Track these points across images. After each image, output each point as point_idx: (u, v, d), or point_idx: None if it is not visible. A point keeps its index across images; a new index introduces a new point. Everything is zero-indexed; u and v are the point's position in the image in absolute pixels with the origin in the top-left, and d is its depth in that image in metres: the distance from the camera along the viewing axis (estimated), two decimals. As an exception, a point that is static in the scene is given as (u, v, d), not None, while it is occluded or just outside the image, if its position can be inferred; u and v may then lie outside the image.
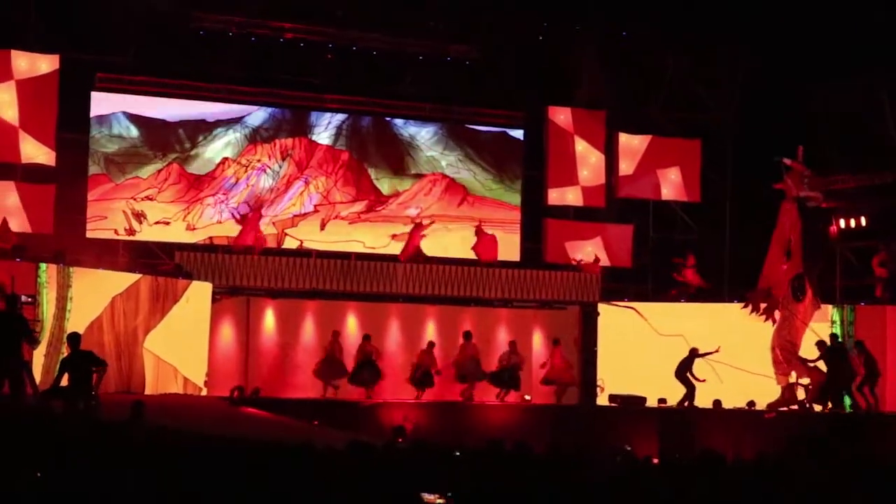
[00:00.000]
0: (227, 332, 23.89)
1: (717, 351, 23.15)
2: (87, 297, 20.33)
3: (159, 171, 25.35)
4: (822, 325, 23.23)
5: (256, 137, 26.10)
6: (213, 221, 25.50)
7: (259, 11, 25.44)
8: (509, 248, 26.96)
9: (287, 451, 10.25)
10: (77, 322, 19.63)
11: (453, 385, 23.97)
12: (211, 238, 25.35)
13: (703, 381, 23.16)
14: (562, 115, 27.59)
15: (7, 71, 23.54)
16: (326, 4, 25.81)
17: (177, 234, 25.21)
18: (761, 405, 22.77)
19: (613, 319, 25.29)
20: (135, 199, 25.05)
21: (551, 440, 12.43)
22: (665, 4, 26.12)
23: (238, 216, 25.01)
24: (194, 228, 25.36)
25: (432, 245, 25.61)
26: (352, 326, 24.40)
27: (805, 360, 22.59)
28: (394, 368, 23.63)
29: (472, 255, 25.78)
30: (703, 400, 23.13)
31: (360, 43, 26.39)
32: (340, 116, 26.68)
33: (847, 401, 22.60)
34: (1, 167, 23.57)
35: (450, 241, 26.45)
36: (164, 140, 25.52)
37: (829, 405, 22.37)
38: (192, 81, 25.40)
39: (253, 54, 25.85)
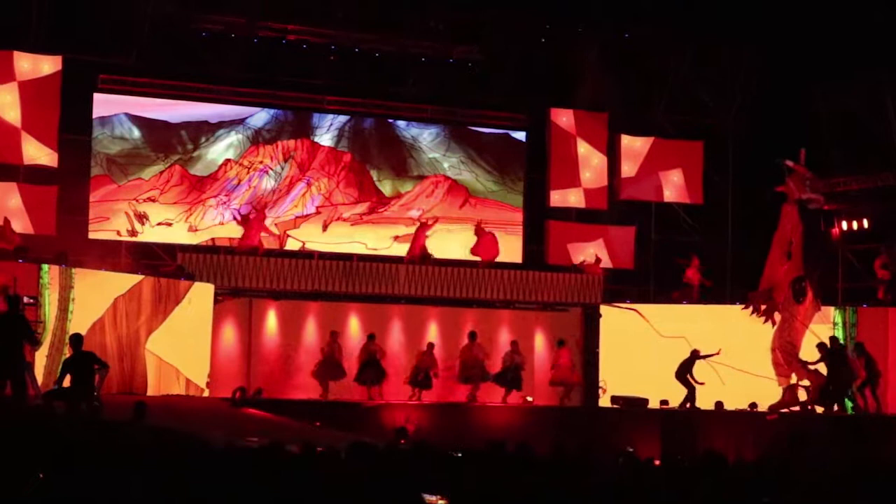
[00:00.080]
0: (230, 333, 23.89)
1: (718, 353, 23.15)
2: (89, 299, 20.34)
3: (161, 172, 25.37)
4: (825, 326, 23.22)
5: (259, 139, 26.11)
6: (216, 223, 25.51)
7: (262, 13, 25.44)
8: (511, 249, 26.97)
9: (289, 453, 10.24)
10: (79, 323, 19.65)
11: (457, 386, 23.96)
12: (213, 239, 25.37)
13: (703, 383, 23.15)
14: (564, 117, 27.60)
15: (9, 72, 23.56)
16: (329, 6, 25.81)
17: (179, 235, 25.23)
18: (763, 407, 22.76)
19: (615, 321, 25.29)
20: (137, 201, 25.07)
21: (553, 442, 12.39)
22: (667, 6, 26.11)
23: (239, 217, 24.99)
24: (196, 230, 25.38)
25: (434, 246, 25.60)
26: (354, 328, 24.40)
27: (805, 363, 22.59)
28: (396, 369, 23.61)
29: (474, 256, 25.78)
30: (705, 401, 23.12)
31: (362, 44, 26.40)
32: (343, 118, 26.70)
33: (848, 403, 22.60)
34: (3, 168, 23.58)
35: (452, 243, 26.45)
36: (166, 141, 25.54)
37: (835, 407, 22.35)
38: (194, 83, 25.43)
39: (255, 56, 25.85)
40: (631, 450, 16.32)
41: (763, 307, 22.96)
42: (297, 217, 26.07)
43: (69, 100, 23.98)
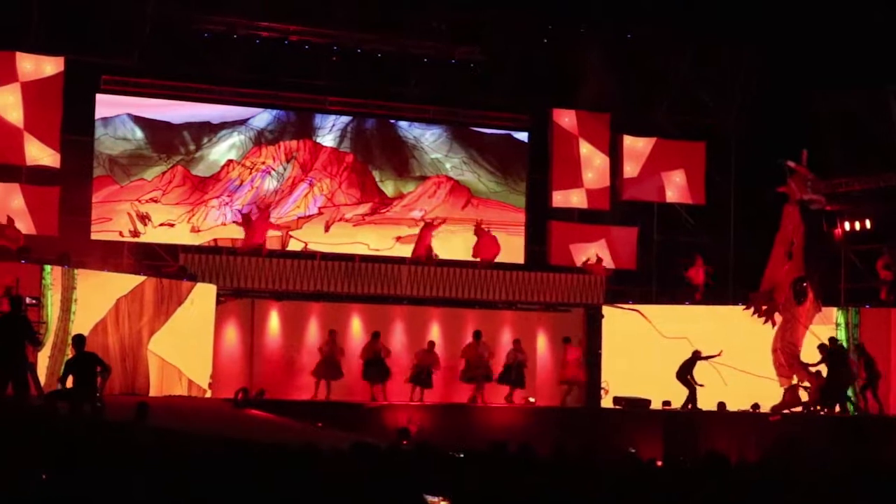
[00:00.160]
0: (232, 333, 23.89)
1: (719, 354, 23.12)
2: (91, 299, 20.35)
3: (164, 173, 25.38)
4: (827, 327, 23.22)
5: (261, 139, 26.12)
6: (218, 223, 25.53)
7: (264, 14, 25.44)
8: (514, 250, 26.98)
9: (291, 454, 10.25)
10: (82, 324, 19.66)
11: (460, 386, 23.94)
12: (215, 240, 25.37)
13: (702, 385, 23.14)
14: (566, 118, 27.60)
15: (12, 73, 23.58)
16: (331, 7, 25.81)
17: (181, 236, 25.24)
18: (765, 407, 22.75)
19: (618, 322, 25.28)
20: (139, 201, 25.08)
21: (555, 442, 12.40)
22: (669, 7, 26.11)
23: (240, 217, 25.00)
24: (199, 230, 25.39)
25: (436, 247, 25.58)
26: (356, 328, 24.39)
27: (806, 365, 22.59)
28: (399, 370, 23.59)
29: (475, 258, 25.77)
30: (707, 402, 23.11)
31: (364, 45, 26.41)
32: (345, 118, 26.71)
33: (850, 404, 22.61)
34: (6, 169, 23.59)
35: (454, 244, 26.44)
36: (168, 142, 25.55)
37: (837, 408, 22.36)
38: (196, 84, 25.44)
39: (258, 56, 25.87)
40: (633, 450, 16.34)
41: (764, 307, 22.96)
42: (299, 217, 26.07)
43: (71, 100, 24.00)
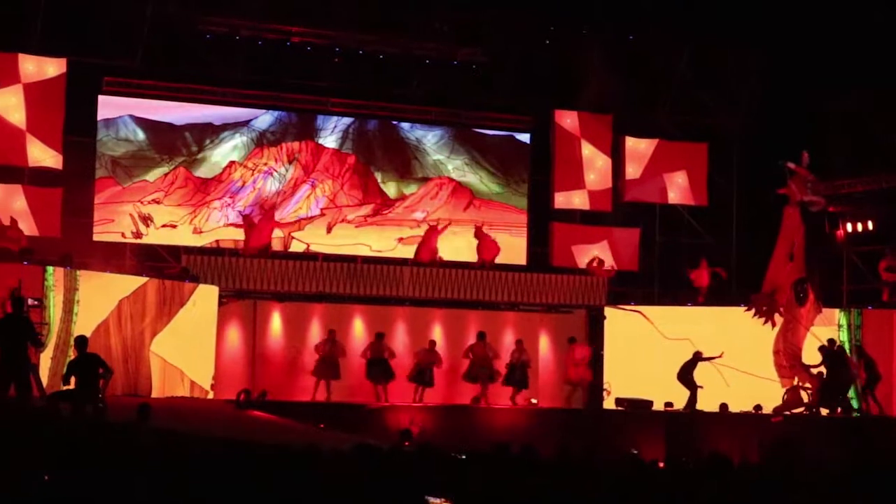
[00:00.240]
0: (234, 335, 23.89)
1: (720, 356, 23.10)
2: (93, 300, 20.36)
3: (166, 174, 25.39)
4: (829, 329, 23.21)
5: (263, 141, 26.13)
6: (220, 225, 25.54)
7: (266, 15, 25.45)
8: (516, 251, 26.98)
9: (293, 455, 10.25)
10: (84, 325, 19.67)
11: (463, 387, 23.93)
12: (218, 241, 25.38)
13: (702, 387, 23.12)
14: (568, 119, 27.60)
15: (14, 74, 23.59)
16: (333, 8, 25.82)
17: (183, 237, 25.25)
18: (768, 409, 22.74)
19: (620, 323, 25.27)
20: (142, 203, 25.09)
21: (558, 444, 12.41)
22: (671, 8, 26.11)
23: (241, 218, 25.00)
24: (201, 232, 25.40)
25: (439, 249, 25.55)
26: (358, 329, 24.38)
27: (807, 367, 22.59)
28: (402, 371, 23.57)
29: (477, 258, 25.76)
30: (709, 404, 23.10)
31: (366, 46, 26.41)
32: (347, 120, 26.71)
33: (854, 405, 22.62)
34: (8, 170, 23.60)
35: (457, 245, 26.43)
36: (170, 143, 25.56)
37: (838, 409, 22.36)
38: (198, 85, 25.45)
39: (260, 58, 25.89)
40: (636, 452, 16.34)
41: (764, 308, 22.96)
42: (301, 219, 26.08)
43: (74, 102, 24.00)
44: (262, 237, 24.17)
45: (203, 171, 25.68)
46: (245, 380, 23.27)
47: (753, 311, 23.06)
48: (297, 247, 25.74)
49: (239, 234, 24.93)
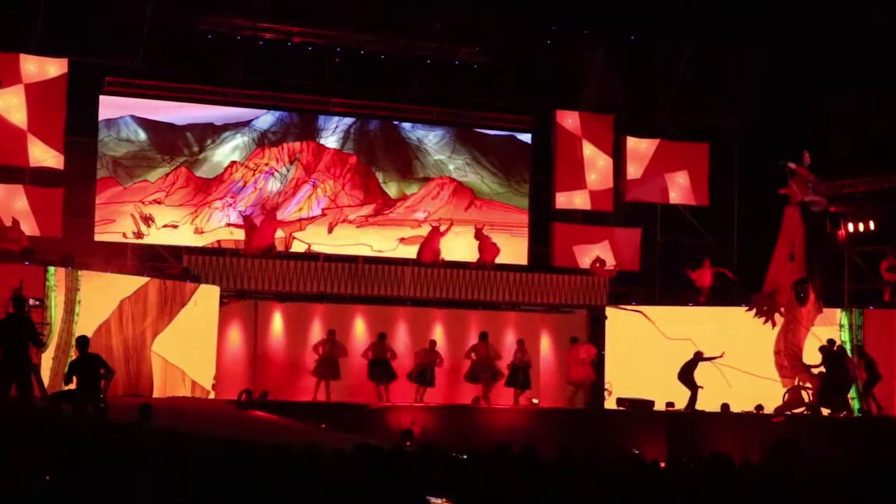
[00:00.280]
0: (235, 335, 23.90)
1: (721, 356, 23.10)
2: (95, 301, 20.36)
3: (167, 174, 25.40)
4: (831, 329, 23.21)
5: (264, 141, 26.13)
6: (221, 225, 25.54)
7: (266, 15, 25.46)
8: (517, 251, 26.99)
9: (294, 455, 10.25)
10: (85, 325, 19.67)
11: (464, 387, 23.93)
12: (219, 241, 25.39)
13: (702, 387, 23.12)
14: (570, 119, 27.61)
15: (15, 74, 23.59)
16: (334, 8, 25.82)
17: (185, 237, 25.25)
18: (769, 409, 22.75)
19: (621, 323, 25.28)
20: (143, 203, 25.09)
21: (559, 444, 12.41)
22: (672, 8, 26.10)
23: (241, 219, 25.00)
24: (202, 232, 25.41)
25: (441, 249, 25.57)
26: (360, 330, 24.39)
27: (808, 367, 22.59)
28: (403, 372, 23.57)
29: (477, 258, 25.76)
30: (711, 404, 23.10)
31: (367, 46, 26.42)
32: (348, 120, 26.71)
33: (855, 405, 22.63)
34: (9, 171, 23.61)
35: (458, 245, 26.42)
36: (172, 143, 25.56)
37: (838, 409, 22.36)
38: (200, 85, 25.46)
39: (261, 58, 25.90)
40: (637, 452, 16.33)
41: (764, 308, 22.97)
42: (302, 219, 26.08)
43: (75, 102, 24.01)
44: (265, 237, 24.17)
45: (204, 172, 25.68)
46: (246, 380, 23.29)
47: (754, 311, 23.08)
48: (298, 247, 25.73)
49: (240, 235, 24.91)
